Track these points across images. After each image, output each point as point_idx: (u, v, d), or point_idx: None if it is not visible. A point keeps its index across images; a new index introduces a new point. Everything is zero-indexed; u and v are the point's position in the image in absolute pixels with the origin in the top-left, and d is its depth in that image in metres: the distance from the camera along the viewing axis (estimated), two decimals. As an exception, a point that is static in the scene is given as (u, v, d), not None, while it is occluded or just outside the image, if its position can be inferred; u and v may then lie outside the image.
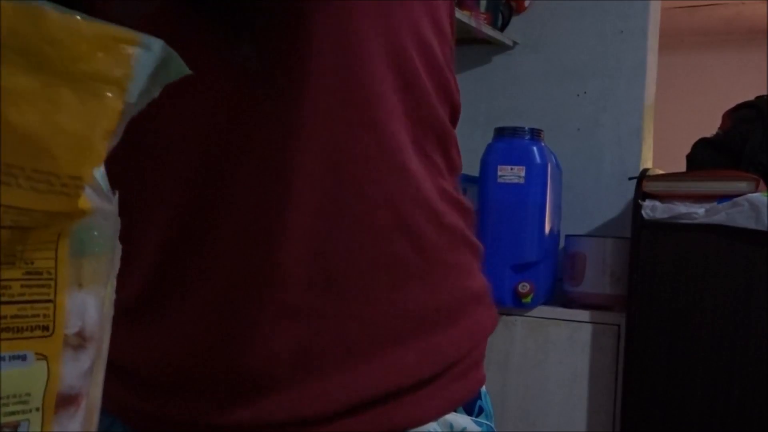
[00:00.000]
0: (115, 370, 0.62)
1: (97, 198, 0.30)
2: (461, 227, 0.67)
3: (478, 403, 0.66)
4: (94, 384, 0.31)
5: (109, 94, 0.29)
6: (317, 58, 0.56)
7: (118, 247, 0.32)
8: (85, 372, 0.31)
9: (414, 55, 0.61)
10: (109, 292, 0.32)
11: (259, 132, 0.58)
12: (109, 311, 0.32)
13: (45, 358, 0.29)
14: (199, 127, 0.59)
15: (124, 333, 0.61)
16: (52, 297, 0.29)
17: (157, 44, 0.30)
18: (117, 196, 0.31)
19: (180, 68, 0.32)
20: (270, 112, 0.57)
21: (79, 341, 0.30)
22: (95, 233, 0.30)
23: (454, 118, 0.69)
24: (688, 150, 2.34)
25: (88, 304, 0.30)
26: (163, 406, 0.63)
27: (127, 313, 0.61)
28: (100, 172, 0.31)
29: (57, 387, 0.29)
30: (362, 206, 0.59)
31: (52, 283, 0.29)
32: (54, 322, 0.29)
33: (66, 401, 0.30)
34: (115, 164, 0.66)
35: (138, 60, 0.30)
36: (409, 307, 0.62)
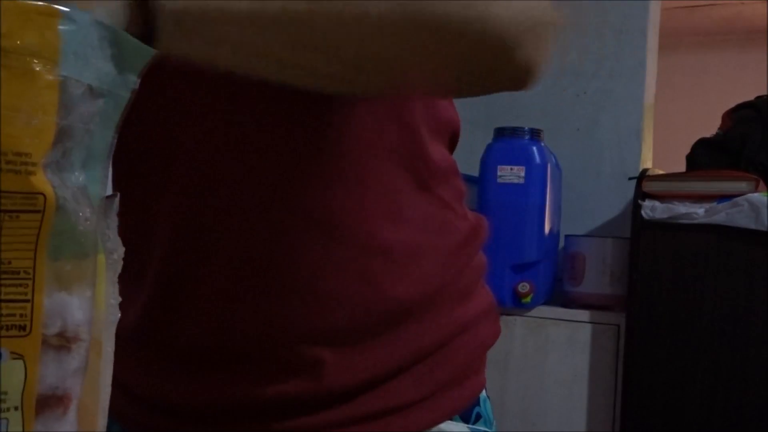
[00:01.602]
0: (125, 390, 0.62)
1: (73, 200, 0.30)
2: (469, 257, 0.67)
3: (476, 409, 0.65)
4: (91, 387, 0.31)
5: (40, 68, 0.30)
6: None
7: (120, 249, 0.31)
8: (71, 373, 0.30)
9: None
10: (107, 295, 0.31)
11: (267, 155, 0.58)
12: (109, 314, 0.31)
13: (21, 357, 0.29)
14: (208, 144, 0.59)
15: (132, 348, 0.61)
16: (29, 297, 0.29)
17: (82, 16, 0.31)
18: (118, 197, 0.31)
19: (138, 48, 0.32)
20: (279, 138, 0.57)
21: (62, 342, 0.30)
22: (75, 235, 0.30)
23: (453, 142, 0.69)
24: (687, 150, 2.34)
25: (71, 305, 0.30)
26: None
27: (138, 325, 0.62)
28: (94, 176, 0.31)
29: (37, 387, 0.29)
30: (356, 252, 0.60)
31: (30, 282, 0.29)
32: (31, 322, 0.29)
33: (51, 402, 0.29)
34: (126, 178, 0.65)
35: (65, 32, 0.30)
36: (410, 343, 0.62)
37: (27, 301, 0.29)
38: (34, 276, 0.29)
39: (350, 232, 0.59)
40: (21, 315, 0.29)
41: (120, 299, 0.33)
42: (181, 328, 0.61)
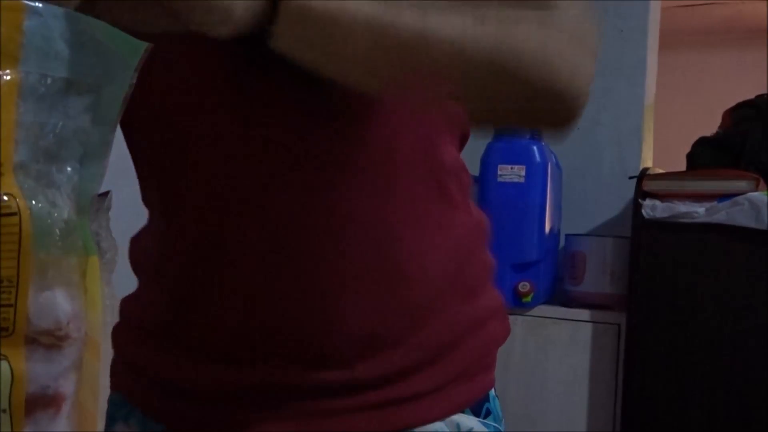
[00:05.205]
0: (161, 384, 0.62)
1: (47, 203, 0.29)
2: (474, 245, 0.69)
3: (486, 405, 0.67)
4: (90, 389, 0.31)
5: None
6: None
7: (114, 249, 0.31)
8: (63, 372, 0.30)
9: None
10: (103, 296, 0.31)
11: (306, 166, 0.59)
12: (106, 315, 0.31)
13: (6, 357, 0.28)
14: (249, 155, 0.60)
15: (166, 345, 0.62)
16: (12, 302, 0.29)
17: (51, 10, 0.29)
18: (111, 195, 0.30)
19: (129, 42, 0.30)
20: (321, 154, 0.59)
21: (52, 340, 0.29)
22: (52, 237, 0.30)
23: (463, 142, 0.71)
24: (688, 149, 2.34)
25: (58, 304, 0.30)
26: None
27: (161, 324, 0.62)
28: (91, 174, 0.30)
29: (25, 387, 0.29)
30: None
31: (13, 290, 0.29)
32: (14, 324, 0.29)
33: (43, 402, 0.29)
34: (158, 181, 0.65)
35: (29, 27, 0.28)
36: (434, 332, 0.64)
37: (10, 306, 0.29)
38: (18, 283, 0.28)
39: (374, 237, 0.61)
40: (4, 318, 0.28)
41: (118, 299, 0.33)
42: (205, 326, 0.62)
